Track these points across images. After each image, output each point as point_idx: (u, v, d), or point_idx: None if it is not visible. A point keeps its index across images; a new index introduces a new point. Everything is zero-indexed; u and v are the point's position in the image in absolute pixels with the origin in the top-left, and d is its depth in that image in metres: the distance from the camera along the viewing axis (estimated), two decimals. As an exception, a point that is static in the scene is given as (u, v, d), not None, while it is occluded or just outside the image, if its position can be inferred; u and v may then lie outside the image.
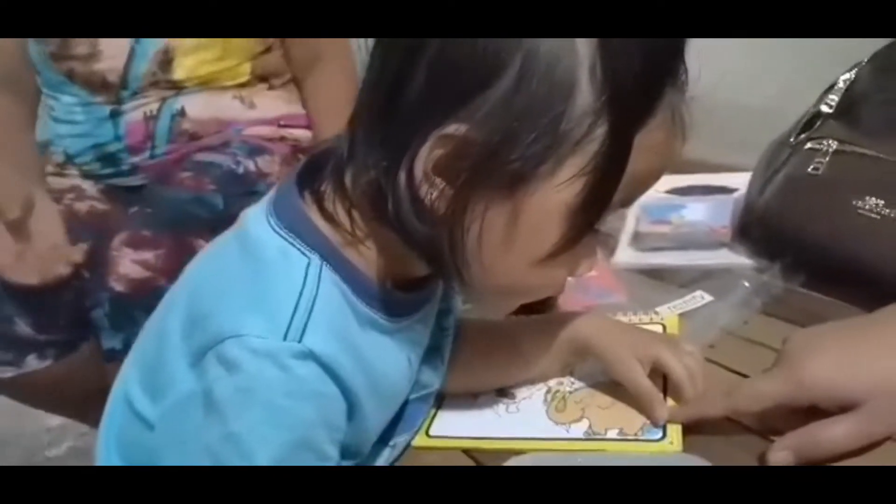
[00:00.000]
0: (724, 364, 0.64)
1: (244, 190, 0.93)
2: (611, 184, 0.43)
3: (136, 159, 0.97)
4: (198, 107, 0.97)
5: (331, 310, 0.45)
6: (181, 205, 0.88)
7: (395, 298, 0.50)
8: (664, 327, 0.68)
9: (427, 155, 0.42)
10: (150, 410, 0.49)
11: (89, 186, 1.00)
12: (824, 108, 0.82)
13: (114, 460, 0.53)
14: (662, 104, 0.44)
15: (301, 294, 0.44)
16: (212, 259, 0.52)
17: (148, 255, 0.83)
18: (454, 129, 0.41)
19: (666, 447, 0.55)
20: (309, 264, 0.45)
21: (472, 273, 0.45)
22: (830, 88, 0.83)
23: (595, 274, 0.84)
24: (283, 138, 1.02)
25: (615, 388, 0.61)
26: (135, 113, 0.96)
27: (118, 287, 0.82)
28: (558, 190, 0.42)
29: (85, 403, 0.98)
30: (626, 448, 0.56)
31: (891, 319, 0.53)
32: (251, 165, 0.96)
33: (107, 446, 0.53)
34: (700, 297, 0.74)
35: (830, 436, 0.48)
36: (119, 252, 0.83)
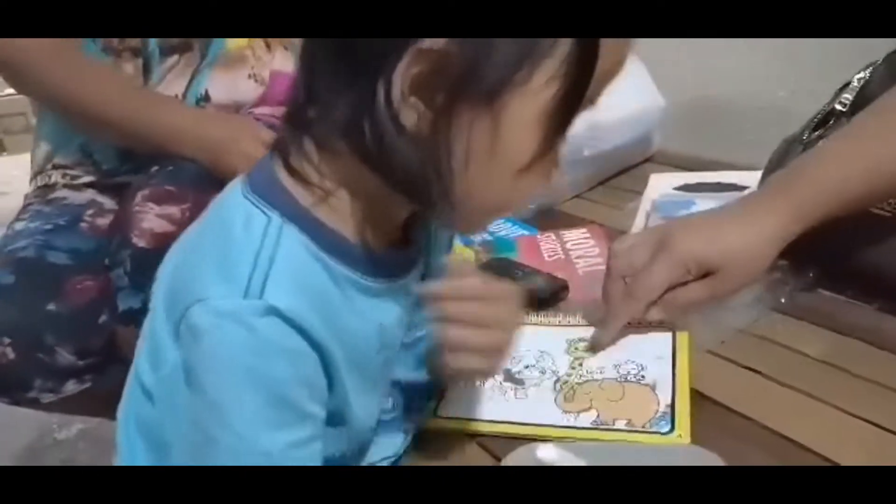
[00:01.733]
0: (736, 360, 0.64)
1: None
2: (582, 83, 0.44)
3: None
4: (220, 90, 0.97)
5: (294, 267, 0.45)
6: (200, 167, 0.86)
7: (373, 257, 0.49)
8: (674, 331, 0.68)
9: (404, 72, 0.41)
10: (153, 383, 0.50)
11: (107, 201, 0.99)
12: (838, 107, 0.82)
13: (132, 435, 0.53)
14: None
15: (259, 253, 0.44)
16: (190, 233, 0.52)
17: (173, 209, 0.80)
18: (430, 42, 0.41)
19: (674, 440, 0.55)
20: (268, 223, 0.45)
21: (456, 195, 0.44)
22: (845, 87, 0.83)
23: (605, 268, 0.85)
24: None
25: (624, 384, 0.62)
26: None
27: (141, 242, 0.79)
28: (535, 94, 0.43)
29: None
30: (634, 439, 0.56)
31: (750, 200, 0.67)
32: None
33: (126, 422, 0.54)
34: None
35: (688, 294, 0.63)
36: (143, 207, 0.81)
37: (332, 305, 0.46)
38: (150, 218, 0.80)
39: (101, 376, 0.88)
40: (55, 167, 1.00)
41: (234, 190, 0.48)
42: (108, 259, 0.84)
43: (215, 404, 0.43)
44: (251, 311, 0.42)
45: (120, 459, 0.53)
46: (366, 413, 0.53)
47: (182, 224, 0.78)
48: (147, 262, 0.77)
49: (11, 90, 1.04)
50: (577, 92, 0.44)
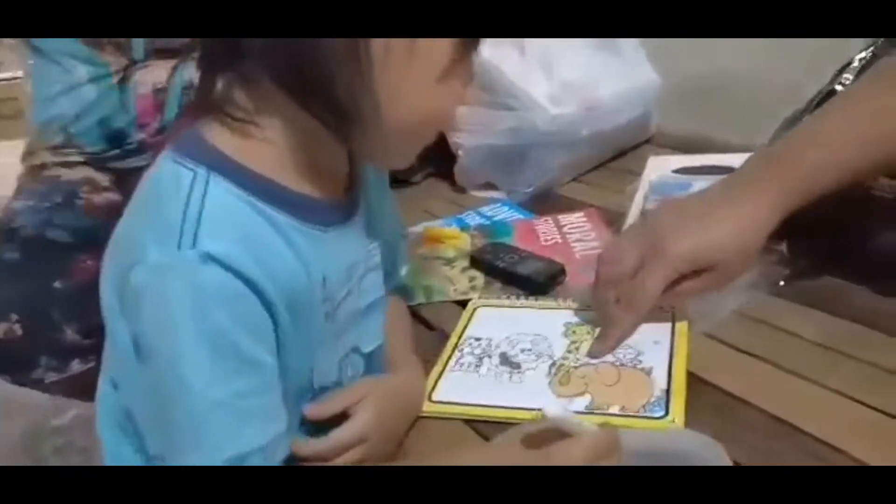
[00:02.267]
0: (732, 344, 0.64)
1: None
2: None
3: (142, 135, 0.97)
4: None
5: (224, 215, 0.45)
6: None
7: (308, 202, 0.49)
8: (673, 315, 0.67)
9: None
10: (114, 370, 0.50)
11: (102, 178, 0.99)
12: (838, 87, 0.80)
13: (115, 434, 0.52)
14: None
15: (187, 205, 0.44)
16: (125, 212, 0.51)
17: None
18: None
19: (668, 425, 0.55)
20: (194, 177, 0.46)
21: (378, 108, 0.46)
22: (846, 67, 0.82)
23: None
24: None
25: (619, 368, 0.61)
26: (143, 86, 0.95)
27: None
28: None
29: None
30: (628, 423, 0.55)
31: (736, 182, 0.65)
32: None
33: (106, 423, 0.53)
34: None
35: (684, 291, 0.63)
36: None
37: (269, 249, 0.46)
38: None
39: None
40: (45, 148, 0.99)
41: (163, 158, 0.49)
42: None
43: (167, 363, 0.43)
44: (186, 261, 0.43)
45: (105, 450, 0.53)
46: (305, 369, 0.52)
47: None
48: None
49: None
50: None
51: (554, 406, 0.49)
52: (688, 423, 0.55)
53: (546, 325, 0.69)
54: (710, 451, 0.49)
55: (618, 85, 1.05)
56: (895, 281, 0.63)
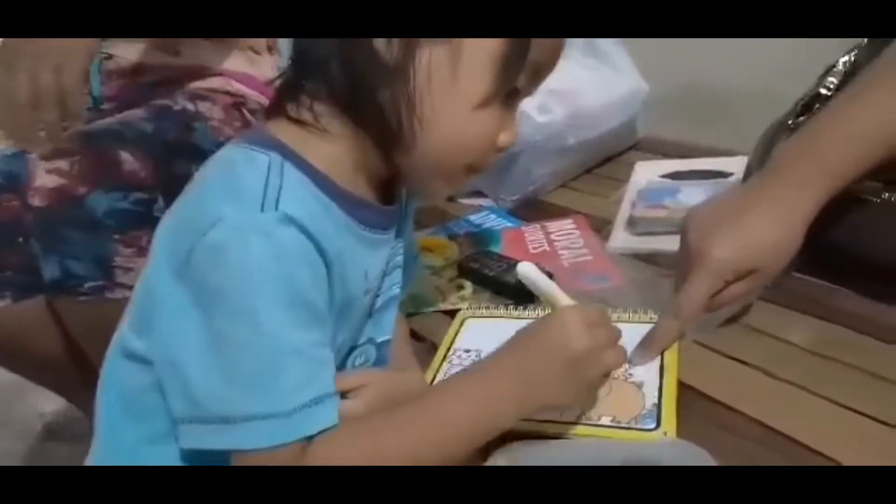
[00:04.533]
0: (722, 351, 0.64)
1: (177, 122, 0.89)
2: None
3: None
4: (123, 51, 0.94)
5: (300, 194, 0.49)
6: (103, 126, 0.85)
7: (361, 205, 0.53)
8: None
9: None
10: (145, 347, 0.51)
11: None
12: (823, 91, 0.81)
13: (115, 412, 0.54)
14: None
15: (268, 178, 0.48)
16: (184, 192, 0.54)
17: (61, 163, 0.79)
18: None
19: (659, 437, 0.54)
20: (270, 160, 0.49)
21: (414, 129, 0.50)
22: (829, 70, 0.82)
23: (591, 258, 0.84)
24: (227, 92, 0.99)
25: (611, 380, 0.61)
26: None
27: (36, 202, 0.78)
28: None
29: (44, 365, 0.96)
30: (618, 435, 0.55)
31: (770, 180, 0.63)
32: (189, 106, 0.94)
33: (108, 399, 0.54)
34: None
35: (728, 296, 0.62)
36: (31, 167, 0.80)
37: (328, 232, 0.49)
38: (41, 175, 0.79)
39: (20, 295, 0.86)
40: None
41: (224, 148, 0.53)
42: (21, 235, 0.82)
43: (244, 311, 0.45)
44: (270, 221, 0.46)
45: (99, 433, 0.55)
46: (342, 350, 0.56)
47: (72, 176, 0.78)
48: (48, 221, 0.78)
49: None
50: (521, 42, 0.50)
51: (527, 266, 0.53)
52: (679, 433, 0.55)
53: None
54: (698, 462, 0.49)
55: (604, 93, 1.05)
56: (886, 286, 0.63)
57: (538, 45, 0.51)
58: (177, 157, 0.84)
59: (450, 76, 0.49)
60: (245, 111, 1.00)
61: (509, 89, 0.52)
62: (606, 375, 0.54)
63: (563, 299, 0.55)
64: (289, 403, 0.45)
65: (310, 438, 0.46)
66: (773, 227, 0.61)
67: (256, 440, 0.45)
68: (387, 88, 0.49)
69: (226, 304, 0.45)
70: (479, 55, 0.49)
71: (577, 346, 0.50)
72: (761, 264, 0.61)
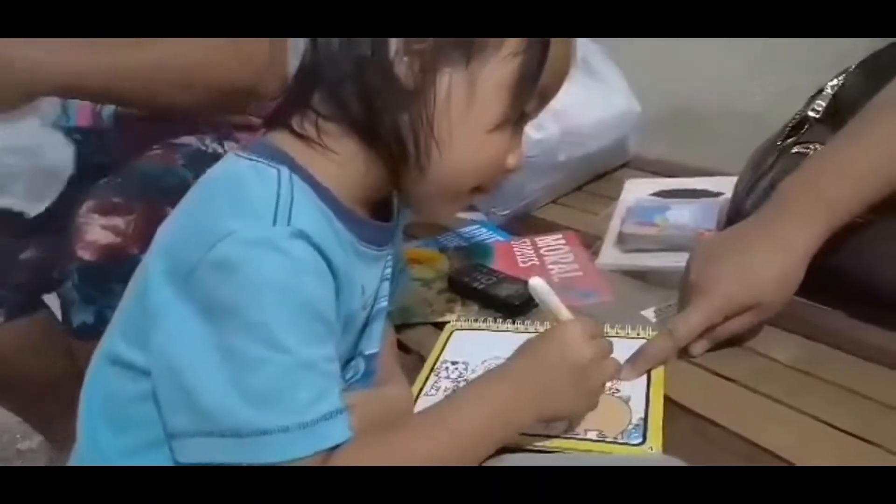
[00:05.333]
0: (708, 367, 0.64)
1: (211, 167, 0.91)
2: (538, 62, 0.52)
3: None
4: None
5: (309, 208, 0.49)
6: (151, 175, 0.85)
7: (361, 221, 0.54)
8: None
9: None
10: (138, 356, 0.50)
11: None
12: (811, 114, 0.82)
13: (99, 427, 0.53)
14: None
15: (279, 192, 0.48)
16: (183, 202, 0.54)
17: (118, 221, 0.79)
18: None
19: (645, 451, 0.54)
20: (279, 173, 0.49)
21: (430, 152, 0.51)
22: (818, 94, 0.83)
23: (580, 274, 0.84)
24: (249, 127, 1.00)
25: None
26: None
27: (87, 255, 0.78)
28: (503, 62, 0.51)
29: (32, 390, 0.95)
30: (605, 449, 0.55)
31: (774, 215, 0.65)
32: (218, 148, 0.95)
33: (90, 406, 0.54)
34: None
35: (730, 329, 0.64)
36: (87, 219, 0.79)
37: (336, 251, 0.50)
38: (95, 230, 0.79)
39: (13, 313, 0.87)
40: None
41: (227, 159, 0.53)
42: (55, 272, 0.82)
43: (259, 326, 0.45)
44: (283, 236, 0.46)
45: (79, 440, 0.54)
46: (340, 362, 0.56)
47: (127, 236, 0.78)
48: (94, 275, 0.78)
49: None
50: (534, 67, 0.52)
51: (539, 281, 0.55)
52: (665, 448, 0.55)
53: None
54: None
55: (597, 111, 1.06)
56: (871, 305, 0.64)
57: (546, 71, 0.53)
58: None
59: (466, 101, 0.51)
60: None
61: (520, 113, 0.54)
62: (604, 385, 0.57)
63: (567, 315, 0.57)
64: (304, 417, 0.45)
65: (324, 451, 0.46)
66: (777, 264, 0.62)
67: (271, 454, 0.45)
68: (405, 112, 0.50)
69: (239, 319, 0.45)
70: (495, 81, 0.51)
71: (583, 355, 0.54)
72: (763, 300, 0.62)
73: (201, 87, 0.85)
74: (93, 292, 0.79)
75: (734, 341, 0.65)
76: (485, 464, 0.53)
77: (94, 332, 0.78)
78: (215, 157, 0.91)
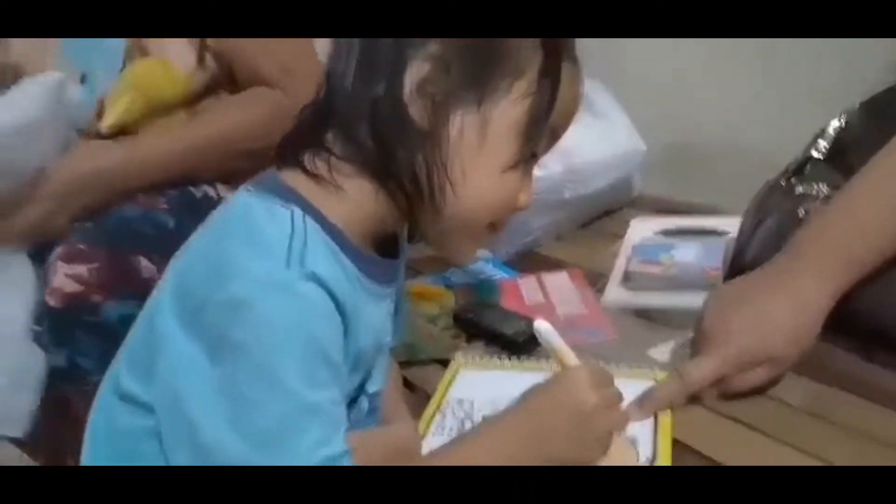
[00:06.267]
0: (717, 409, 0.63)
1: (200, 214, 0.89)
2: (548, 103, 0.54)
3: None
4: None
5: (321, 249, 0.49)
6: (125, 220, 0.85)
7: (370, 259, 0.54)
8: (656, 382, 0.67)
9: (413, 74, 0.49)
10: (144, 391, 0.50)
11: None
12: (815, 154, 0.83)
13: (102, 452, 0.53)
14: (570, 51, 0.57)
15: (292, 234, 0.48)
16: (194, 238, 0.54)
17: (81, 269, 0.79)
18: (436, 49, 0.50)
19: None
20: (293, 213, 0.50)
21: (445, 191, 0.51)
22: (821, 134, 0.84)
23: (586, 312, 0.84)
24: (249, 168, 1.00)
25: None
26: None
27: (52, 302, 0.78)
28: (514, 104, 0.51)
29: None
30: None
31: (790, 268, 0.64)
32: (211, 192, 0.94)
33: (94, 438, 0.54)
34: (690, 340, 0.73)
35: (743, 383, 0.63)
36: (53, 266, 0.79)
37: (347, 291, 0.50)
38: (60, 277, 0.78)
39: None
40: None
41: (239, 197, 0.53)
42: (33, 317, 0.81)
43: (266, 368, 0.45)
44: (295, 278, 0.46)
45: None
46: (354, 368, 0.55)
47: (90, 284, 0.78)
48: (60, 322, 0.78)
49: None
50: (545, 108, 0.53)
51: (544, 323, 0.56)
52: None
53: (528, 387, 0.68)
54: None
55: (601, 150, 1.07)
56: (883, 348, 0.64)
57: (555, 111, 0.54)
58: None
59: (478, 142, 0.51)
60: None
61: (531, 153, 0.54)
62: (611, 433, 0.56)
63: (573, 359, 0.58)
64: (306, 461, 0.45)
65: None
66: (792, 319, 0.62)
67: None
68: (419, 153, 0.50)
69: (246, 359, 0.45)
70: (506, 122, 0.52)
71: (588, 402, 0.54)
72: (777, 355, 0.62)
73: (260, 149, 0.84)
74: (61, 338, 0.79)
75: (745, 392, 0.64)
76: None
77: (68, 377, 0.78)
78: (207, 200, 0.91)
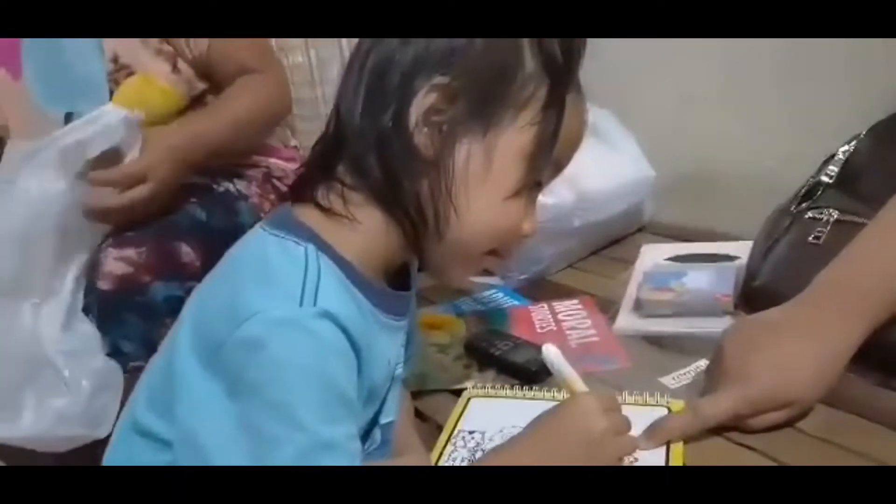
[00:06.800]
0: (729, 437, 0.63)
1: (224, 206, 0.97)
2: (553, 132, 0.54)
3: None
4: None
5: (335, 286, 0.50)
6: (165, 216, 0.92)
7: (382, 293, 0.55)
8: (669, 410, 0.67)
9: (419, 104, 0.51)
10: (163, 427, 0.51)
11: None
12: (824, 179, 0.83)
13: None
14: (575, 82, 0.57)
15: (306, 271, 0.49)
16: (212, 276, 0.55)
17: (130, 252, 0.85)
18: (441, 79, 0.51)
19: None
20: (307, 250, 0.51)
21: (449, 218, 0.52)
22: (830, 159, 0.84)
23: (597, 339, 0.84)
24: (255, 165, 1.07)
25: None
26: None
27: (104, 285, 0.84)
28: (519, 133, 0.52)
29: None
30: None
31: (815, 309, 0.63)
32: (231, 187, 1.01)
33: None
34: (703, 367, 0.73)
35: (764, 423, 0.61)
36: (104, 252, 0.86)
37: (361, 327, 0.50)
38: (111, 262, 0.85)
39: None
40: None
41: (254, 233, 0.55)
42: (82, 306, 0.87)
43: (279, 405, 0.46)
44: (309, 317, 0.47)
45: None
46: (368, 399, 0.56)
47: (138, 266, 0.85)
48: (111, 304, 0.84)
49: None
50: (549, 138, 0.54)
51: (552, 349, 0.57)
52: None
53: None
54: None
55: (611, 178, 1.08)
56: (886, 368, 0.63)
57: (560, 140, 0.55)
58: (227, 242, 0.90)
59: (483, 170, 0.52)
60: (274, 181, 1.06)
61: (535, 181, 0.55)
62: (620, 459, 0.56)
63: (581, 385, 0.58)
64: None
65: None
66: (816, 365, 0.61)
67: None
68: (424, 180, 0.51)
69: (262, 397, 0.46)
70: (511, 150, 0.52)
71: (596, 427, 0.54)
72: (797, 398, 0.61)
73: (274, 123, 1.04)
74: (109, 323, 0.85)
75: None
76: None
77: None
78: (228, 194, 0.99)
